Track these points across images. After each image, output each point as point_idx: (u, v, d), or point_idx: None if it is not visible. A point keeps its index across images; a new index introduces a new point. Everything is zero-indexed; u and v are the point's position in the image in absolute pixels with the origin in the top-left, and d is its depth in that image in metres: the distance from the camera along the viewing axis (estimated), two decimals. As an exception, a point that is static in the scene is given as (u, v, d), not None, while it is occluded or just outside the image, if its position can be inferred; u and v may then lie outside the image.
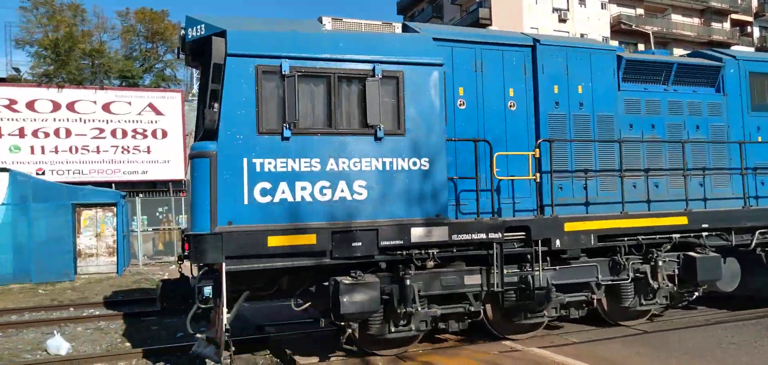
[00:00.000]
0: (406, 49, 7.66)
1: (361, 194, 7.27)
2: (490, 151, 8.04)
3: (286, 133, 6.97)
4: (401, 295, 7.41)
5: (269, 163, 6.93)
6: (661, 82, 9.93)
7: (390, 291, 7.44)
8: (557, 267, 8.44)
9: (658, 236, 8.94)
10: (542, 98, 8.86)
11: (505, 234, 7.96)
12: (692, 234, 9.16)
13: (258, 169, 6.89)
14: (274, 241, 6.87)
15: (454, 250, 7.78)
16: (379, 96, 7.30)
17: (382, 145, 7.38)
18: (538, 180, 8.30)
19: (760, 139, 10.31)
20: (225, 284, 6.76)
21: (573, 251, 8.37)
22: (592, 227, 8.46)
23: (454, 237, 7.63)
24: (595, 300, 8.76)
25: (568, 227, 8.30)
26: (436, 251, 7.63)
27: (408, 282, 7.42)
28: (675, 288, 9.10)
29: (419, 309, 7.55)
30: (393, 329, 7.58)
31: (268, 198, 6.91)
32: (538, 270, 8.07)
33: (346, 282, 7.14)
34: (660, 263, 8.87)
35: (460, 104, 8.48)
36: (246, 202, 6.82)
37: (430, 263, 7.68)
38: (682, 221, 9.03)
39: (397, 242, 7.36)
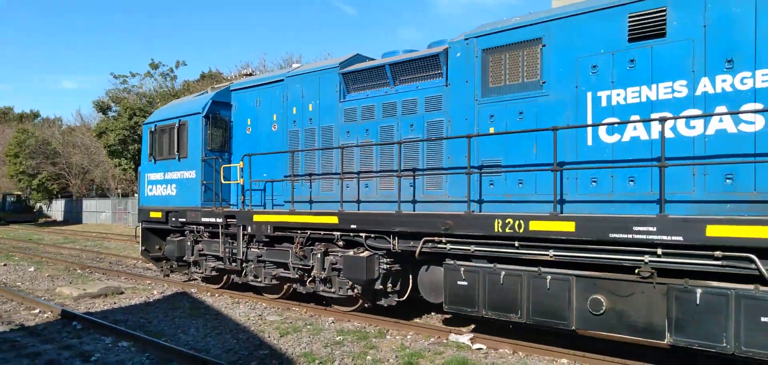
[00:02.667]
0: (190, 107, 12.84)
1: (174, 192, 13.20)
2: (218, 163, 12.07)
3: (152, 160, 13.79)
4: (184, 249, 12.91)
5: (151, 175, 13.95)
6: (386, 85, 10.09)
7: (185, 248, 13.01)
8: (266, 248, 11.34)
9: (322, 232, 10.14)
10: (287, 118, 11.62)
11: (229, 220, 11.84)
12: (360, 234, 9.65)
13: (149, 179, 14.04)
14: (152, 214, 13.88)
15: (203, 228, 12.40)
16: (177, 136, 12.97)
17: (181, 164, 12.98)
18: (241, 183, 11.50)
19: (492, 130, 8.61)
20: (141, 232, 14.33)
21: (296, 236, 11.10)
22: (270, 220, 10.88)
23: (203, 219, 12.32)
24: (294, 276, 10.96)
25: (256, 218, 11.15)
26: (203, 227, 12.56)
27: (188, 242, 12.82)
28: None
29: (192, 259, 12.78)
30: (185, 271, 13.07)
31: (151, 193, 13.96)
32: (242, 247, 11.51)
33: (169, 238, 13.36)
34: (318, 255, 10.11)
35: (247, 130, 12.56)
36: (146, 194, 14.13)
37: (206, 235, 12.64)
38: (333, 220, 9.79)
39: (183, 220, 12.85)
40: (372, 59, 11.02)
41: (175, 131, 13.07)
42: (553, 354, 7.92)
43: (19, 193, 50.13)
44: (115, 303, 11.99)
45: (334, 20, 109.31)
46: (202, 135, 12.52)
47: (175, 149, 13.08)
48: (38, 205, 52.39)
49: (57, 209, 51.53)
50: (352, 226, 9.57)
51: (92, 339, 9.16)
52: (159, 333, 9.39)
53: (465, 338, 8.57)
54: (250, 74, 35.07)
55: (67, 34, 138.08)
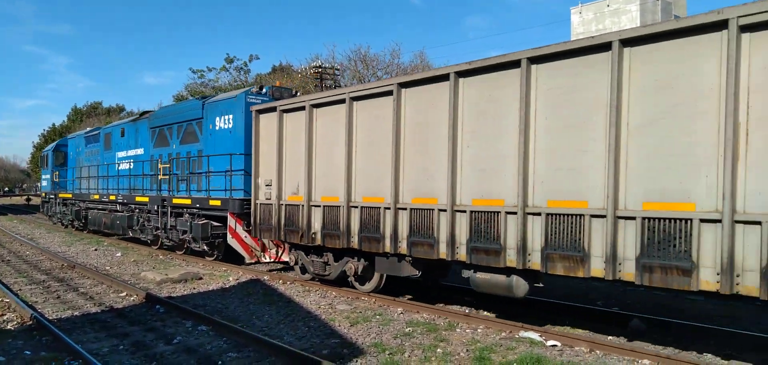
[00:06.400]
0: (51, 147, 29.12)
1: (46, 184, 29.56)
2: (53, 171, 28.21)
3: (41, 169, 30.21)
4: (49, 209, 29.32)
5: (42, 175, 30.41)
6: (93, 142, 25.59)
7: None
8: (65, 207, 27.32)
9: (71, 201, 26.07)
10: (77, 152, 27.42)
11: (57, 196, 27.94)
12: (77, 202, 25.40)
13: (42, 177, 30.50)
14: (42, 193, 30.34)
15: (52, 199, 28.67)
16: (47, 158, 29.26)
17: (46, 171, 29.24)
18: (56, 181, 27.57)
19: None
20: (41, 202, 30.82)
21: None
22: (61, 196, 26.89)
23: (50, 196, 28.54)
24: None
25: (59, 195, 27.16)
26: (52, 199, 28.83)
27: (50, 206, 29.23)
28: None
29: (49, 213, 29.13)
30: (54, 221, 29.46)
31: (42, 184, 30.44)
32: (59, 207, 27.61)
33: (46, 204, 29.88)
34: (74, 210, 26.06)
35: (70, 156, 28.52)
36: (41, 184, 30.62)
37: (54, 203, 28.88)
38: (70, 196, 25.65)
39: (47, 196, 29.20)
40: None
41: (46, 155, 29.43)
42: (634, 354, 7.40)
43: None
44: (194, 288, 12.34)
45: (402, 11, 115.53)
46: (52, 159, 28.75)
47: (46, 164, 29.42)
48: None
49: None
50: (73, 199, 25.39)
51: (174, 322, 9.35)
52: (235, 319, 9.54)
53: (536, 334, 8.37)
54: (320, 66, 39.38)
55: (149, 32, 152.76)
